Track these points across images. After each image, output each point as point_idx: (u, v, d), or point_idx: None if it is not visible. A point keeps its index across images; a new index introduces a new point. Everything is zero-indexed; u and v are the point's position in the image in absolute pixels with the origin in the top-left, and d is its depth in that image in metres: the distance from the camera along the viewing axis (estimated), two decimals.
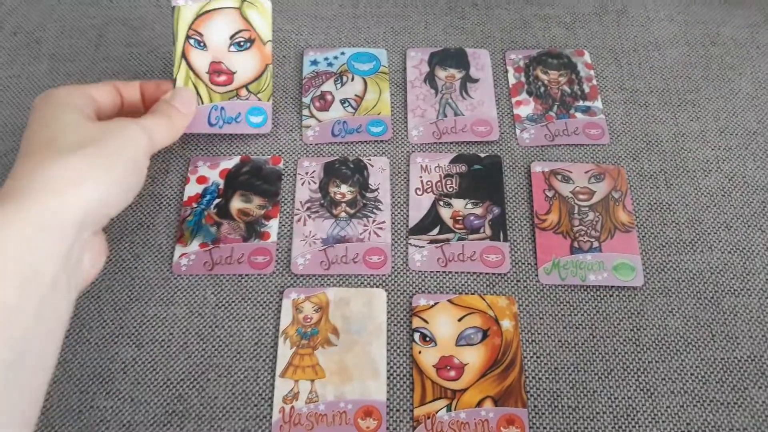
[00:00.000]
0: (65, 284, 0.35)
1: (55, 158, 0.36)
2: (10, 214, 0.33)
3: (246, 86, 0.49)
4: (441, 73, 0.58)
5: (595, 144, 0.53)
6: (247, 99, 0.49)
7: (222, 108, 0.49)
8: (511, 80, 0.57)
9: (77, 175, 0.36)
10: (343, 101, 0.56)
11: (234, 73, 0.49)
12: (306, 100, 0.56)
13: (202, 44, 0.48)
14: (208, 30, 0.48)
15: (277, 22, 0.60)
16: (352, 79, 0.57)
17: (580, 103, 0.55)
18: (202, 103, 0.48)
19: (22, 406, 0.32)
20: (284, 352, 0.45)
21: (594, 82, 0.57)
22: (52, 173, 0.35)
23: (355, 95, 0.56)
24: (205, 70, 0.48)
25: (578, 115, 0.55)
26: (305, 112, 0.55)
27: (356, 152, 0.54)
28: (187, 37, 0.47)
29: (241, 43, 0.48)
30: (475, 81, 0.57)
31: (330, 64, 0.58)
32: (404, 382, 0.44)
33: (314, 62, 0.58)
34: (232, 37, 0.48)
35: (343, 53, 0.59)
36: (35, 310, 0.32)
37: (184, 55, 0.47)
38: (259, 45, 0.49)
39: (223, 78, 0.49)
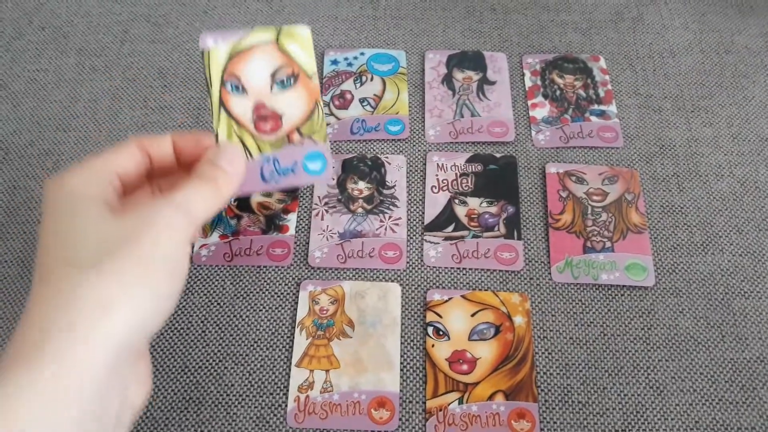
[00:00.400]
0: None
1: (74, 282, 0.29)
2: (19, 380, 0.27)
3: (297, 129, 0.42)
4: (458, 75, 0.59)
5: (609, 147, 0.54)
6: (300, 144, 0.42)
7: (275, 159, 0.42)
8: (528, 83, 0.58)
9: (103, 300, 0.29)
10: (362, 100, 0.57)
11: (281, 116, 0.42)
12: (326, 98, 0.57)
13: (240, 88, 0.41)
14: (245, 71, 0.41)
15: (299, 21, 0.62)
16: (372, 79, 0.58)
17: (595, 106, 0.56)
18: (251, 156, 0.41)
19: None
20: (300, 342, 0.46)
21: (609, 86, 0.58)
22: (71, 306, 0.29)
23: (374, 95, 0.57)
24: (248, 117, 0.42)
25: (593, 118, 0.56)
26: (325, 110, 0.56)
27: (374, 150, 0.55)
28: (223, 83, 0.41)
29: (284, 81, 0.42)
30: (492, 83, 0.58)
31: (350, 64, 0.59)
32: (417, 375, 0.45)
33: (335, 62, 0.59)
34: (273, 76, 0.42)
35: (362, 54, 0.60)
36: None
37: (222, 104, 0.41)
38: (305, 80, 0.42)
39: (269, 125, 0.42)
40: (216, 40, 0.41)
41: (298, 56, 0.42)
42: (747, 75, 0.59)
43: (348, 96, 0.57)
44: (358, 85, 0.58)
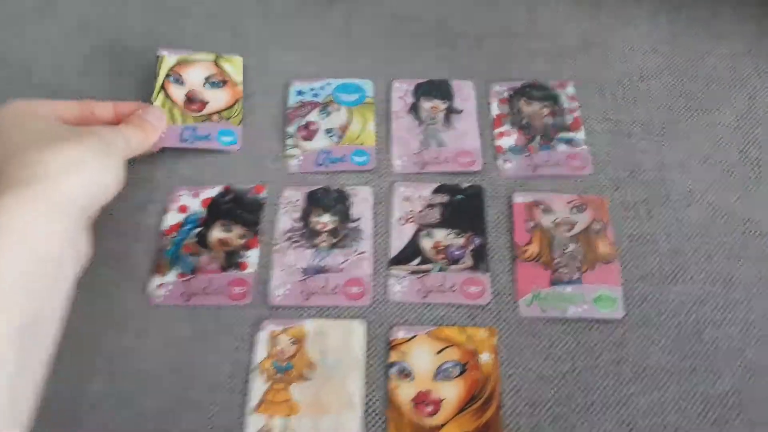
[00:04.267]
0: (69, 261, 0.38)
1: (50, 147, 0.39)
2: (22, 198, 0.36)
3: (218, 113, 0.55)
4: (425, 104, 0.58)
5: (578, 174, 0.53)
6: (218, 122, 0.55)
7: (194, 128, 0.54)
8: (495, 112, 0.57)
9: (75, 159, 0.39)
10: (328, 131, 0.56)
11: (207, 102, 0.56)
12: (291, 129, 0.56)
13: (180, 81, 0.56)
14: (186, 72, 0.56)
15: (267, 51, 0.61)
16: (338, 110, 0.57)
17: (563, 134, 0.55)
18: (175, 122, 0.54)
19: (34, 365, 0.36)
20: (258, 386, 0.45)
21: (577, 113, 0.57)
22: (52, 159, 0.38)
23: (340, 125, 0.56)
24: (181, 99, 0.55)
25: (561, 146, 0.55)
26: (290, 141, 0.56)
27: (340, 182, 0.54)
28: (167, 75, 0.56)
29: (215, 83, 0.57)
30: (459, 112, 0.57)
31: (316, 95, 0.58)
32: (380, 417, 0.44)
33: (300, 92, 0.58)
34: (207, 78, 0.57)
35: (329, 84, 0.59)
36: (47, 284, 0.36)
37: (163, 88, 0.55)
38: (232, 85, 0.57)
39: (196, 105, 0.55)
40: (170, 52, 0.57)
41: (229, 71, 0.58)
42: (716, 98, 0.58)
43: (313, 127, 0.56)
44: (324, 115, 0.57)
